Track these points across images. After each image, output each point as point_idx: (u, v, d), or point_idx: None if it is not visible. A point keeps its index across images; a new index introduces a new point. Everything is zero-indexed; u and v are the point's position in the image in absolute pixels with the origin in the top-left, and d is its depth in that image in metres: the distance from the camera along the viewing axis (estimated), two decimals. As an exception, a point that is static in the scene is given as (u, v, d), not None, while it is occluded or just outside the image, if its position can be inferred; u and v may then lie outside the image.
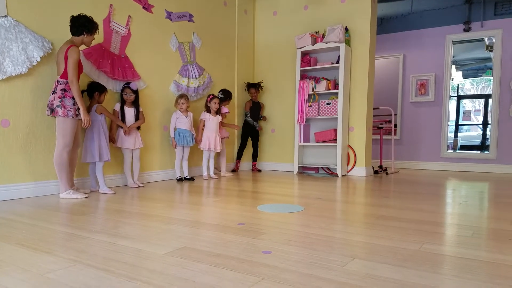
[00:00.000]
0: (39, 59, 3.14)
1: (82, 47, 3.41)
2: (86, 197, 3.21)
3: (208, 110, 4.64)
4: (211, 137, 4.59)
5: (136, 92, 3.83)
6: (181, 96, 4.39)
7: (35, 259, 1.64)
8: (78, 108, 3.14)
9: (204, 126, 4.63)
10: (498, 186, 4.26)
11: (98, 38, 3.71)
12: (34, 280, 1.40)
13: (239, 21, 5.72)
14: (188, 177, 4.49)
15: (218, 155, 5.10)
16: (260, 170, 5.75)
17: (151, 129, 4.35)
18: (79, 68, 3.21)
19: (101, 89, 3.52)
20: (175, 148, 4.41)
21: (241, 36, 5.78)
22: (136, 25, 4.14)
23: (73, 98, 3.09)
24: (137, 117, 3.87)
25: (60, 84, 3.09)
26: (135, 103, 3.86)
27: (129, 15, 4.05)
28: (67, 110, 3.07)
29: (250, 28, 5.99)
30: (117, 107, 3.80)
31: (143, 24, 4.22)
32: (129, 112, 3.84)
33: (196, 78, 4.89)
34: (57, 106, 3.05)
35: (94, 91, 3.48)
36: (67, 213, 2.65)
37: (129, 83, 3.81)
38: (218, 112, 4.69)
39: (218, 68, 5.36)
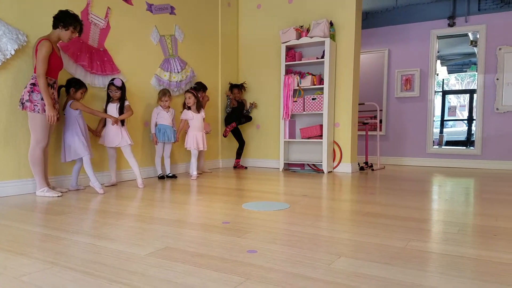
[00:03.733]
0: (13, 52, 3.01)
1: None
2: (59, 196, 3.11)
3: (188, 107, 4.43)
4: (198, 135, 4.42)
5: (121, 88, 3.69)
6: (164, 93, 4.29)
7: (9, 262, 1.56)
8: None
9: (186, 125, 4.46)
10: (483, 182, 4.31)
11: (77, 31, 3.59)
12: (8, 284, 1.34)
13: (223, 14, 5.63)
14: (170, 174, 4.40)
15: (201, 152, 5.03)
16: (246, 167, 5.70)
17: (132, 125, 4.24)
18: (57, 63, 3.11)
19: (78, 85, 3.39)
20: (156, 145, 4.31)
21: (225, 29, 5.70)
22: (116, 17, 4.02)
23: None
24: (121, 112, 3.70)
25: (32, 78, 3.02)
26: (121, 99, 3.72)
27: (108, 7, 3.93)
28: (34, 105, 2.98)
29: (233, 21, 5.91)
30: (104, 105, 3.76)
31: (123, 16, 4.10)
32: (112, 108, 3.70)
33: (178, 72, 4.79)
34: (26, 100, 2.98)
35: (70, 86, 3.37)
36: (43, 213, 2.55)
37: (113, 79, 3.68)
38: (198, 107, 4.46)
39: (201, 62, 5.27)
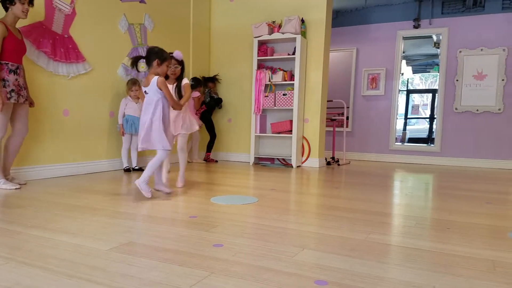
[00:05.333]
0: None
1: (22, 23, 3.12)
2: (17, 189, 2.97)
3: None
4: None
5: (182, 63, 3.08)
6: (134, 82, 4.21)
7: (-40, 258, 1.49)
8: (12, 91, 2.90)
9: None
10: (441, 178, 4.52)
11: (39, 15, 3.43)
12: (-44, 282, 1.27)
13: (195, 5, 5.55)
14: (137, 167, 4.32)
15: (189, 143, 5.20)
16: (216, 161, 5.69)
17: (96, 115, 4.13)
18: (18, 46, 2.97)
19: (163, 56, 2.71)
20: (122, 136, 4.21)
21: (197, 21, 5.62)
22: (82, 3, 3.87)
23: (2, 80, 2.86)
24: (179, 94, 3.09)
25: None
26: (178, 77, 3.08)
27: (75, -7, 3.79)
28: None
29: (206, 12, 5.85)
30: None
31: (89, 2, 3.96)
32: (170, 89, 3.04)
33: (147, 62, 4.69)
34: None
35: (151, 59, 2.69)
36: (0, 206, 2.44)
37: (171, 52, 3.02)
38: None
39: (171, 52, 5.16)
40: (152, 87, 2.65)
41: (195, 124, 3.27)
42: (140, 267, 1.43)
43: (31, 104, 3.22)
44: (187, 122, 3.20)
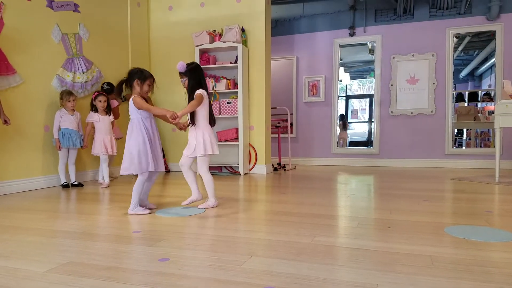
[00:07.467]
0: None
1: None
2: None
3: (95, 110, 4.20)
4: (105, 139, 4.17)
5: (187, 73, 2.81)
6: (69, 93, 4.01)
7: None
8: None
9: (93, 128, 4.21)
10: (381, 179, 4.77)
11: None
12: None
13: (132, 13, 5.42)
14: (75, 183, 4.08)
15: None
16: (169, 171, 5.56)
17: (31, 130, 3.87)
18: None
19: (143, 75, 2.62)
20: (59, 150, 3.97)
21: (135, 30, 5.48)
22: (11, 13, 3.65)
23: None
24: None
25: None
26: (190, 90, 2.83)
27: (2, 2, 3.55)
28: None
29: (144, 21, 5.72)
30: None
31: (19, 12, 3.73)
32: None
33: (83, 72, 4.48)
34: None
35: (133, 79, 2.62)
36: None
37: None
38: (108, 110, 4.27)
39: (109, 62, 4.99)
40: (131, 108, 2.61)
41: (201, 148, 2.94)
42: (81, 288, 1.36)
43: (6, 122, 3.29)
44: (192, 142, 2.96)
